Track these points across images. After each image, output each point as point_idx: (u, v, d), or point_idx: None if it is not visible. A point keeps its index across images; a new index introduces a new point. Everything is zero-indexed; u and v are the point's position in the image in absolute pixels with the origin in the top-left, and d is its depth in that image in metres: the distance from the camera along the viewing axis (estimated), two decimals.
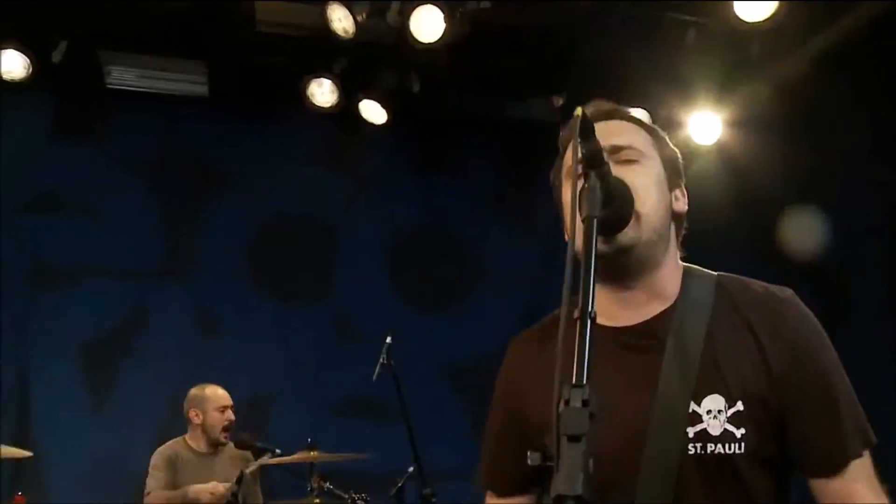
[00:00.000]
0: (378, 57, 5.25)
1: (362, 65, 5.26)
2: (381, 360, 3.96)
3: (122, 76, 5.34)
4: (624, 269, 1.55)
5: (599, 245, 1.47)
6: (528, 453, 1.09)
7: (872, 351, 5.24)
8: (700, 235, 5.48)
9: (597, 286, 1.58)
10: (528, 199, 5.90)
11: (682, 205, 1.66)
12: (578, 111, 1.30)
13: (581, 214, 1.35)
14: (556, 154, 1.75)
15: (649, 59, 5.33)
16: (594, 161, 1.36)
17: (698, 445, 1.44)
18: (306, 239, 5.76)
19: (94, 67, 5.28)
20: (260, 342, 5.45)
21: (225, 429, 4.49)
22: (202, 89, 5.44)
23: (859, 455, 1.47)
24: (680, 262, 1.65)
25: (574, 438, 1.05)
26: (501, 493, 1.74)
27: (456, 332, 5.66)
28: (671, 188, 1.62)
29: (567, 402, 1.09)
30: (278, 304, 5.57)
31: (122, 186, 5.52)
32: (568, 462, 1.03)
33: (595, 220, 1.32)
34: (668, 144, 1.67)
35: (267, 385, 5.39)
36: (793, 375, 1.47)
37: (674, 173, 1.65)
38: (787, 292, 1.57)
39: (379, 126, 5.42)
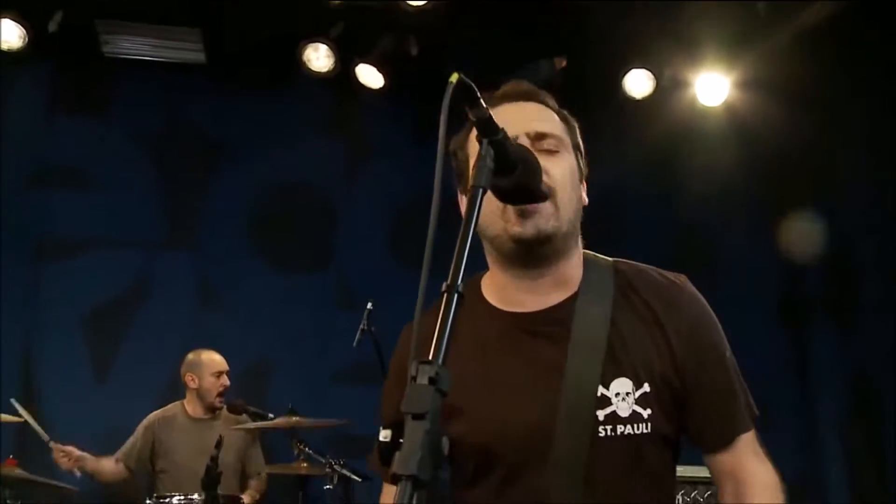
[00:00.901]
0: (375, 20, 5.19)
1: (359, 29, 5.20)
2: (361, 325, 3.97)
3: (119, 45, 5.32)
4: (540, 257, 1.57)
5: (519, 228, 1.51)
6: (380, 430, 1.06)
7: (882, 316, 5.13)
8: (706, 198, 5.38)
9: (503, 272, 1.62)
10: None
11: (585, 195, 1.70)
12: (454, 77, 1.25)
13: (469, 184, 1.34)
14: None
15: (654, 18, 5.21)
16: (486, 129, 1.32)
17: (608, 427, 1.50)
18: (306, 208, 5.72)
19: (91, 36, 5.27)
20: (261, 311, 5.45)
21: (220, 394, 4.54)
22: (199, 56, 5.40)
23: (749, 429, 1.59)
24: (582, 249, 1.70)
25: (417, 416, 1.01)
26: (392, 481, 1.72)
27: None
28: (581, 179, 1.67)
29: (414, 379, 1.05)
30: (279, 273, 5.55)
31: (123, 157, 5.52)
32: (409, 440, 1.00)
33: (481, 191, 1.29)
34: (577, 133, 1.69)
35: (267, 353, 5.40)
36: (692, 357, 1.55)
37: (583, 162, 1.69)
38: (682, 278, 1.65)
39: (378, 92, 5.37)
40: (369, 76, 5.29)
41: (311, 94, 5.49)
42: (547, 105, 1.65)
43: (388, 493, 1.71)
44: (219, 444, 3.67)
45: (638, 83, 5.39)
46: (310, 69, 5.21)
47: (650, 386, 1.52)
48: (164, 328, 5.33)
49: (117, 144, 5.52)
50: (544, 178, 1.47)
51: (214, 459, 3.64)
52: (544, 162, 1.48)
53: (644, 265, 1.68)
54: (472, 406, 1.56)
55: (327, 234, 5.70)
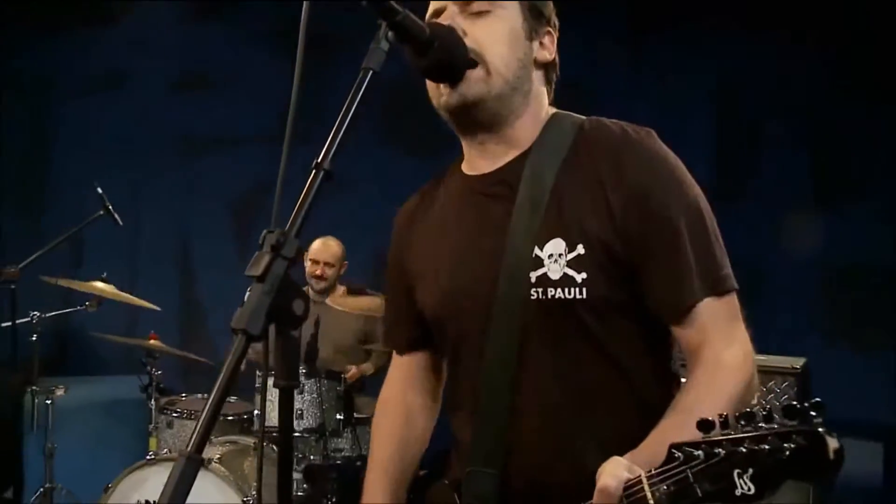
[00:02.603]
0: None
1: None
2: None
3: None
4: (475, 121, 1.55)
5: (446, 97, 1.51)
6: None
7: None
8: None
9: (462, 141, 1.62)
10: (655, 41, 5.62)
11: (547, 53, 1.61)
12: None
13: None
14: None
15: None
16: (383, 12, 1.33)
17: (539, 290, 1.44)
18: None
19: None
20: (390, 196, 5.65)
21: (313, 278, 4.74)
22: None
23: (704, 298, 1.42)
24: (549, 109, 1.62)
25: (259, 279, 1.12)
26: (400, 351, 1.83)
27: None
28: (533, 37, 1.58)
29: (261, 246, 1.16)
30: (411, 161, 5.72)
31: (254, 58, 5.81)
32: (247, 300, 1.11)
33: (371, 73, 1.32)
34: None
35: None
36: (634, 221, 1.43)
37: (537, 21, 1.59)
38: (642, 133, 1.50)
39: None
40: None
41: None
42: None
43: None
44: (317, 324, 3.96)
45: None
46: None
47: (584, 248, 1.43)
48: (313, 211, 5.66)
49: (248, 46, 5.83)
50: (467, 41, 1.46)
51: (314, 337, 3.94)
52: (468, 26, 1.48)
53: (613, 122, 1.53)
54: (433, 271, 1.64)
55: None
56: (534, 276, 1.44)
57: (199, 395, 4.47)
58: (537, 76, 1.59)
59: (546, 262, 1.44)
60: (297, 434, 3.86)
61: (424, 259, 1.67)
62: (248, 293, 1.16)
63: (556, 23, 1.63)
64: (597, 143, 1.49)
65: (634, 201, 1.43)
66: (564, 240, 1.44)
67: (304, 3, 1.25)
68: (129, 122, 5.81)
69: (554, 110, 1.62)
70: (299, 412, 3.82)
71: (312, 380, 3.87)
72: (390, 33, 1.34)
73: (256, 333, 1.09)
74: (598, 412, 1.47)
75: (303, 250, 1.17)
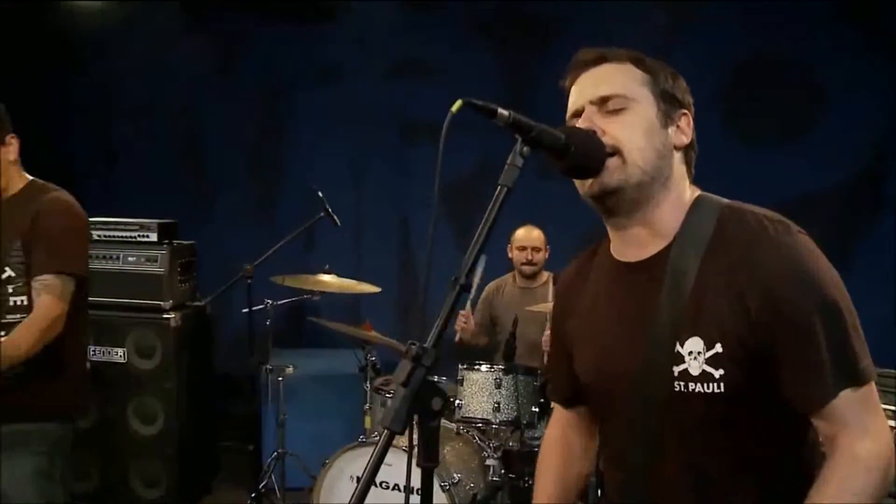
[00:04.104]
0: None
1: None
2: None
3: None
4: (615, 209, 1.63)
5: (588, 187, 1.62)
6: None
7: None
8: None
9: (607, 226, 1.73)
10: (875, 15, 5.25)
11: (684, 137, 1.66)
12: (456, 105, 1.40)
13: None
14: None
15: None
16: (518, 129, 1.47)
17: (681, 384, 1.53)
18: None
19: None
20: None
21: (524, 264, 4.93)
22: None
23: (837, 395, 1.46)
24: (692, 193, 1.67)
25: (403, 384, 1.32)
26: (561, 404, 2.02)
27: (791, 171, 5.41)
28: (668, 124, 1.64)
29: (405, 355, 1.35)
30: None
31: (466, 45, 6.04)
32: (393, 400, 1.32)
33: (505, 190, 1.45)
34: (664, 77, 1.66)
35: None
36: (768, 318, 1.47)
37: (671, 106, 1.65)
38: (779, 228, 1.53)
39: None
40: None
41: None
42: (619, 61, 1.65)
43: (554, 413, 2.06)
44: (515, 323, 4.09)
45: None
46: None
47: (722, 346, 1.50)
48: (513, 200, 5.85)
49: (461, 34, 6.05)
50: (605, 139, 1.56)
51: (512, 335, 4.09)
52: (605, 125, 1.58)
53: (752, 209, 1.59)
54: (585, 346, 1.79)
55: None
56: (676, 370, 1.54)
57: None
58: (677, 158, 1.66)
59: (686, 358, 1.53)
60: (494, 426, 4.10)
61: (579, 332, 1.80)
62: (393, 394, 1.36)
63: (691, 100, 1.69)
64: (734, 238, 1.54)
65: (768, 299, 1.47)
66: (703, 339, 1.52)
67: (454, 108, 1.41)
68: (350, 111, 6.28)
69: (697, 193, 1.67)
70: (496, 405, 4.03)
71: (510, 375, 4.05)
72: (525, 149, 1.47)
73: (398, 431, 1.29)
74: (730, 497, 1.55)
75: (440, 359, 1.34)
